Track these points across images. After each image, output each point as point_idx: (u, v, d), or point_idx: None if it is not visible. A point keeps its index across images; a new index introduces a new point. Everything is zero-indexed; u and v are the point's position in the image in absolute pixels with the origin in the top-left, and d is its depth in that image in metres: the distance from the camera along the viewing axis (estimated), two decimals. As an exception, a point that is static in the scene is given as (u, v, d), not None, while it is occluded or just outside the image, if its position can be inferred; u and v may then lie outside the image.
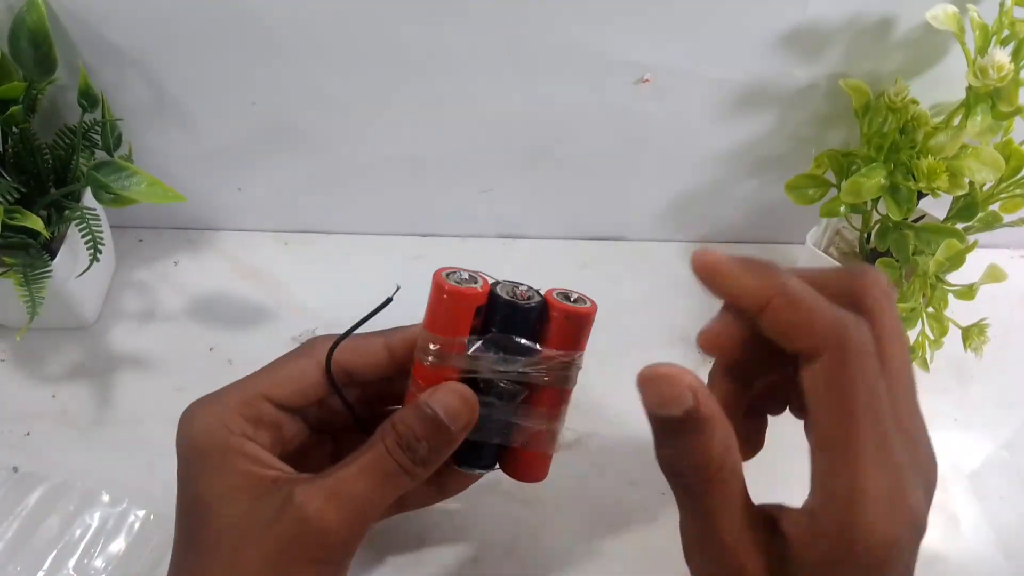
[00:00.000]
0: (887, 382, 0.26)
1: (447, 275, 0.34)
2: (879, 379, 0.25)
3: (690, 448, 0.27)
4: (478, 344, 0.34)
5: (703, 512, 0.27)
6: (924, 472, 0.26)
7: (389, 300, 0.35)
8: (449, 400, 0.32)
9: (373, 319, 0.35)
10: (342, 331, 0.35)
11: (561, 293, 0.35)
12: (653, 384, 0.26)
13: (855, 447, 0.25)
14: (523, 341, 0.34)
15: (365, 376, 0.36)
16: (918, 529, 0.25)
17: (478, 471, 0.37)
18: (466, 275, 0.35)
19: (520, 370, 0.34)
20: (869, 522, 0.24)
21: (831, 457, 0.25)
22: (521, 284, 0.35)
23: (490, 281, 0.35)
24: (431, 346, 0.34)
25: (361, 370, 0.36)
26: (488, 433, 0.35)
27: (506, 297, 0.35)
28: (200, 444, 0.33)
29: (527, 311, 0.34)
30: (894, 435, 0.25)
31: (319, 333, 0.53)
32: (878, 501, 0.24)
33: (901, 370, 0.27)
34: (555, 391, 0.35)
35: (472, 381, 0.34)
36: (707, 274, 0.29)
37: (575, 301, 0.35)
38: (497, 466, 0.37)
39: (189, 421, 0.33)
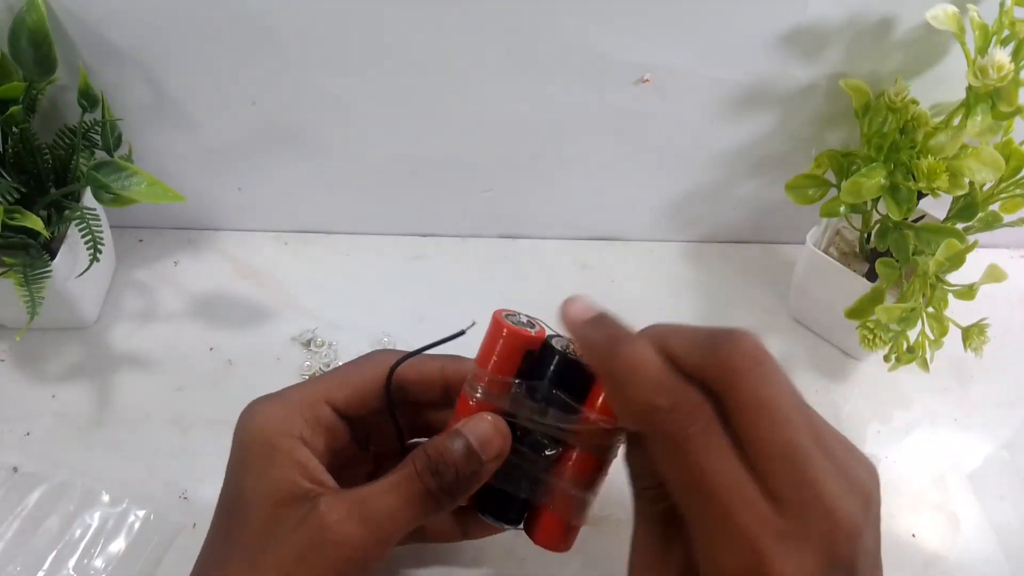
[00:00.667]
0: (749, 451, 0.25)
1: (506, 316, 0.34)
2: (712, 457, 0.25)
3: (645, 463, 0.29)
4: (522, 386, 0.34)
5: (650, 517, 0.29)
6: (815, 539, 0.24)
7: (462, 332, 0.35)
8: (482, 428, 0.33)
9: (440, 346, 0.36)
10: (402, 351, 0.36)
11: None
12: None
13: (697, 524, 0.25)
14: (566, 397, 0.33)
15: (417, 395, 0.37)
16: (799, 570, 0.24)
17: (501, 524, 0.36)
18: (524, 319, 0.35)
19: (558, 425, 0.33)
20: None
21: (688, 530, 0.26)
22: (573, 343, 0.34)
23: (547, 331, 0.35)
24: (478, 383, 0.34)
25: (415, 388, 0.37)
26: (516, 484, 0.34)
27: (560, 348, 0.34)
28: (254, 441, 0.33)
29: (577, 366, 0.33)
30: (745, 511, 0.24)
31: (319, 333, 0.53)
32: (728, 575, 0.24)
33: (770, 438, 0.25)
34: (592, 457, 0.34)
35: (511, 426, 0.34)
36: (567, 327, 0.30)
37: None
38: (522, 526, 0.36)
39: (250, 416, 0.34)
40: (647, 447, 0.27)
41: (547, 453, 0.34)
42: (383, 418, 0.36)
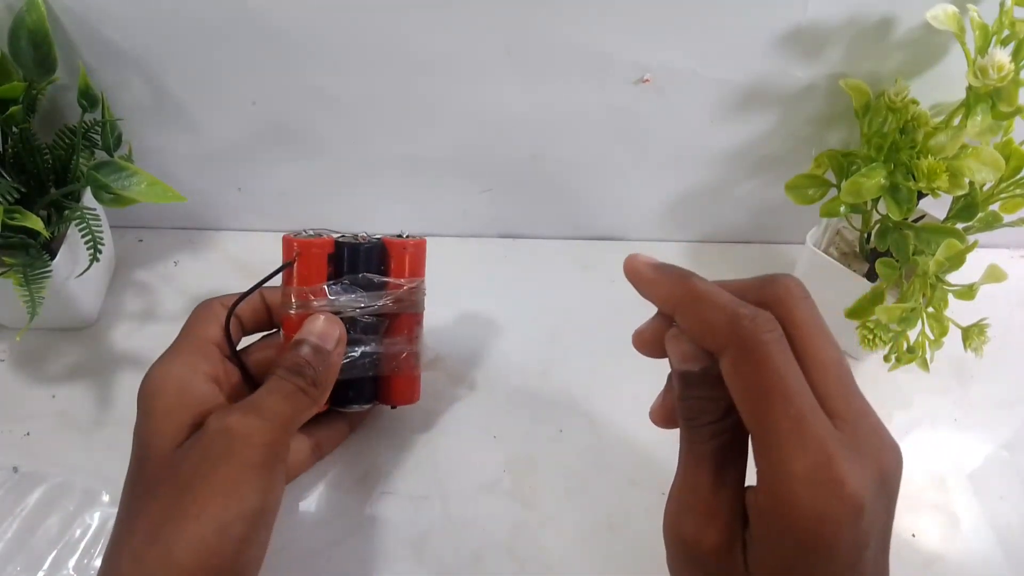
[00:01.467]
0: (807, 369, 0.27)
1: (295, 234, 0.40)
2: (788, 365, 0.26)
3: (706, 397, 0.29)
4: (334, 286, 0.40)
5: (704, 454, 0.29)
6: (868, 455, 0.26)
7: (290, 264, 0.40)
8: (316, 326, 0.39)
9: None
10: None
11: (394, 235, 0.42)
12: (677, 344, 0.30)
13: (771, 430, 0.26)
14: (373, 277, 0.40)
15: (252, 327, 0.42)
16: (856, 507, 0.25)
17: (359, 407, 0.43)
18: (311, 232, 0.41)
19: (376, 304, 0.40)
20: (793, 499, 0.25)
21: (755, 442, 0.27)
22: (360, 233, 0.42)
23: (335, 236, 0.41)
24: (293, 299, 0.40)
25: (248, 321, 0.42)
26: (361, 369, 0.41)
27: (351, 240, 0.41)
28: (149, 396, 0.37)
29: (368, 249, 0.41)
30: (814, 417, 0.26)
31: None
32: (799, 478, 0.25)
33: (825, 359, 0.28)
34: (409, 316, 0.42)
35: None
36: (632, 278, 0.31)
37: (407, 238, 0.42)
38: (376, 402, 0.44)
39: (145, 379, 0.38)
40: (720, 367, 0.28)
41: (376, 330, 0.41)
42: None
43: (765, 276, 0.30)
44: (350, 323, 0.40)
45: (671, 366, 0.30)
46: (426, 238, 0.43)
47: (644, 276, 0.31)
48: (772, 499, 0.26)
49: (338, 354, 0.39)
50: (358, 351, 0.40)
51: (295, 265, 0.40)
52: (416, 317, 0.43)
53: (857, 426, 0.27)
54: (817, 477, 0.25)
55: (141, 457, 0.36)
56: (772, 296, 0.29)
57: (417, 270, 0.42)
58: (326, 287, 0.40)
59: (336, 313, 0.40)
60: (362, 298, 0.40)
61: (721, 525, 0.28)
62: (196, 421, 0.36)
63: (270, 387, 0.37)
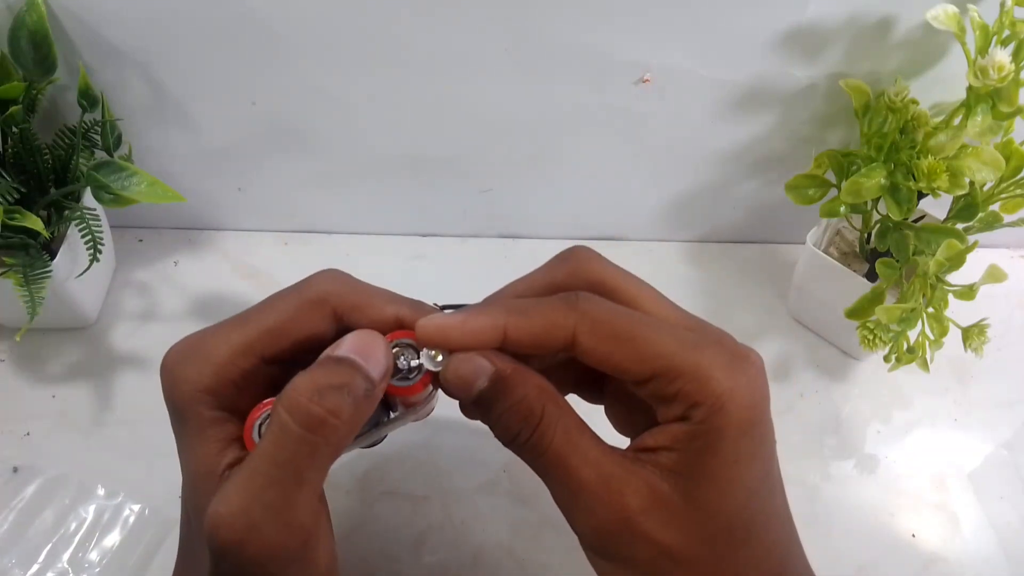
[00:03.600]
0: (640, 301, 0.29)
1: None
2: (630, 312, 0.28)
3: (511, 408, 0.27)
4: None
5: (555, 460, 0.27)
6: (733, 345, 0.28)
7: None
8: (355, 340, 0.27)
9: None
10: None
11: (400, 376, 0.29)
12: (454, 374, 0.27)
13: (664, 356, 0.26)
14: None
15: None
16: (761, 373, 0.28)
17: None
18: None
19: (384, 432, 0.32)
20: (722, 392, 0.26)
21: (657, 378, 0.27)
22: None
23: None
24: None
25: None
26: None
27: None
28: (179, 409, 0.29)
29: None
30: (685, 331, 0.28)
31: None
32: (718, 373, 0.26)
33: (646, 294, 0.29)
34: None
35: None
36: (442, 343, 0.28)
37: (410, 372, 0.29)
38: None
39: (171, 376, 0.28)
40: (577, 351, 0.28)
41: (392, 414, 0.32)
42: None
43: (552, 261, 0.31)
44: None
45: (462, 400, 0.28)
46: (433, 371, 0.29)
47: (451, 327, 0.27)
48: (708, 406, 0.26)
49: (380, 389, 0.27)
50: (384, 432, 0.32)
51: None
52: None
53: (705, 325, 0.29)
54: (732, 365, 0.26)
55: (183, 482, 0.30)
56: (573, 270, 0.30)
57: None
58: None
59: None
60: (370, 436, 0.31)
61: (647, 474, 0.27)
62: None
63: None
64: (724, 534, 0.27)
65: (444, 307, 0.31)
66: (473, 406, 0.28)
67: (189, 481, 0.29)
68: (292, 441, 0.25)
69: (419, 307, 0.30)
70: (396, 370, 0.28)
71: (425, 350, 0.28)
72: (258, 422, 0.28)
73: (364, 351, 0.27)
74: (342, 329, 0.30)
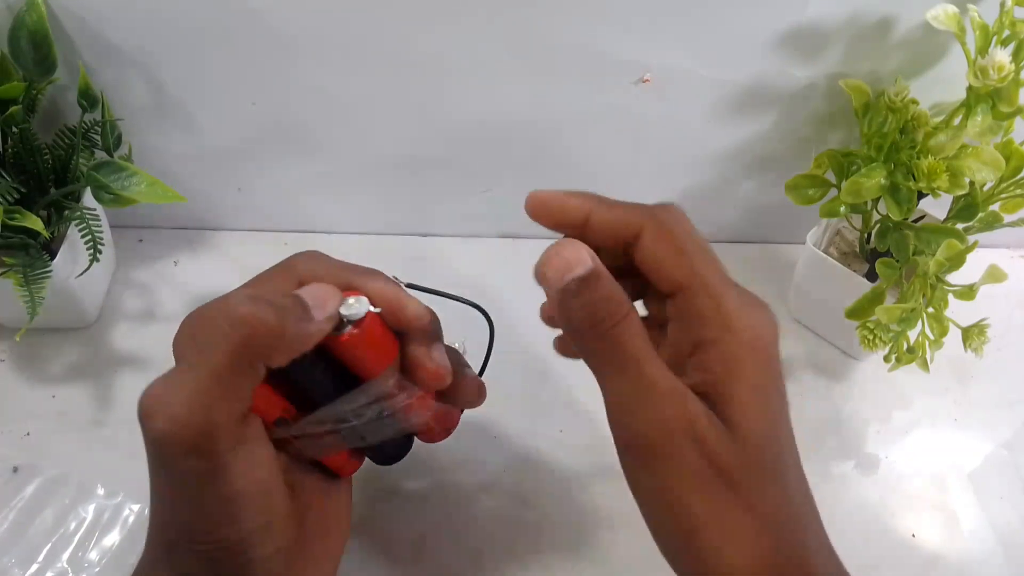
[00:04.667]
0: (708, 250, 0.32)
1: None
2: (697, 233, 0.31)
3: (602, 299, 0.29)
4: (313, 415, 0.31)
5: (632, 354, 0.29)
6: (746, 291, 0.31)
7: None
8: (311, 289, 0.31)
9: None
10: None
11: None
12: (558, 255, 0.30)
13: (706, 277, 0.30)
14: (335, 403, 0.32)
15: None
16: (774, 322, 0.30)
17: (399, 460, 0.39)
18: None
19: (353, 420, 0.32)
20: (741, 324, 0.29)
21: (691, 292, 0.30)
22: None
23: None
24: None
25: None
26: (378, 436, 0.34)
27: (304, 358, 0.30)
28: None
29: (322, 355, 0.31)
30: (715, 263, 0.31)
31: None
32: (737, 307, 0.29)
33: (709, 247, 0.32)
34: (411, 399, 0.33)
35: (349, 430, 0.32)
36: (539, 208, 0.33)
37: (347, 322, 0.31)
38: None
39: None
40: (637, 250, 0.31)
41: (376, 419, 0.33)
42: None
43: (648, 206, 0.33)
44: (343, 422, 0.32)
45: (556, 285, 0.29)
46: (371, 309, 0.32)
47: (553, 198, 0.32)
48: (719, 324, 0.29)
49: (319, 324, 0.30)
50: (364, 427, 0.33)
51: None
52: (420, 398, 0.34)
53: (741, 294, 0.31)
54: (750, 304, 0.30)
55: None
56: (657, 206, 0.32)
57: (383, 356, 0.33)
58: (303, 421, 0.32)
59: (335, 430, 0.32)
60: (353, 401, 0.32)
61: (690, 396, 0.29)
62: None
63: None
64: (760, 465, 0.29)
65: (407, 285, 0.35)
66: (559, 293, 0.29)
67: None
68: (215, 334, 0.27)
69: (369, 274, 0.33)
70: (342, 323, 0.31)
71: (356, 299, 0.31)
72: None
73: (313, 292, 0.30)
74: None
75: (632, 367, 0.29)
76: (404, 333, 0.33)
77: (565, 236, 0.32)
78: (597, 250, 0.30)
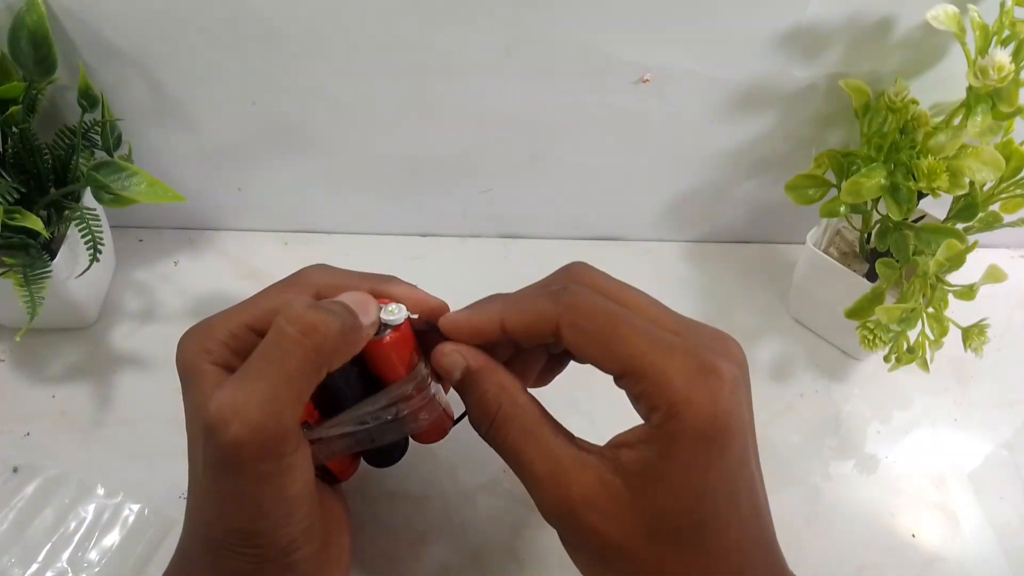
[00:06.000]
0: (633, 305, 0.31)
1: None
2: (615, 307, 0.30)
3: (476, 401, 0.32)
4: (335, 421, 0.33)
5: (511, 452, 0.31)
6: (720, 350, 0.30)
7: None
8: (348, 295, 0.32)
9: None
10: None
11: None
12: (437, 364, 0.33)
13: (635, 355, 0.29)
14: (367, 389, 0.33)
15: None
16: (735, 389, 0.28)
17: (397, 462, 0.39)
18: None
19: (388, 404, 0.33)
20: (683, 399, 0.28)
21: (628, 376, 0.29)
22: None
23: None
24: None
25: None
26: (385, 438, 0.34)
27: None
28: (181, 369, 0.33)
29: (343, 369, 0.32)
30: (665, 334, 0.29)
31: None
32: (682, 381, 0.28)
33: (636, 298, 0.32)
34: (425, 401, 0.34)
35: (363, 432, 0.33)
36: (454, 333, 0.33)
37: (386, 327, 0.33)
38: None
39: (179, 344, 0.33)
40: (562, 339, 0.31)
41: (397, 414, 0.34)
42: None
43: (553, 275, 0.34)
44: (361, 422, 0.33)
45: (452, 382, 0.33)
46: (407, 317, 0.33)
47: (465, 321, 0.33)
48: (664, 412, 0.28)
49: (367, 331, 0.31)
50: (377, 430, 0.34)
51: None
52: (430, 400, 0.34)
53: (698, 331, 0.31)
54: (696, 375, 0.28)
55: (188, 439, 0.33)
56: (569, 277, 0.33)
57: (405, 363, 0.33)
58: (327, 424, 0.33)
59: (356, 432, 0.33)
60: (374, 403, 0.33)
61: (601, 469, 0.29)
62: None
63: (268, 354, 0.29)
64: (670, 534, 0.28)
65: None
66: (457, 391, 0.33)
67: (195, 433, 0.32)
68: (286, 341, 0.28)
69: (388, 280, 0.35)
70: (381, 328, 0.32)
71: (396, 307, 0.33)
72: None
73: (355, 300, 0.31)
74: None
75: (513, 464, 0.31)
76: (426, 330, 0.34)
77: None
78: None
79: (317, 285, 0.34)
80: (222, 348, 0.32)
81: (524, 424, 0.31)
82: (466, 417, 0.35)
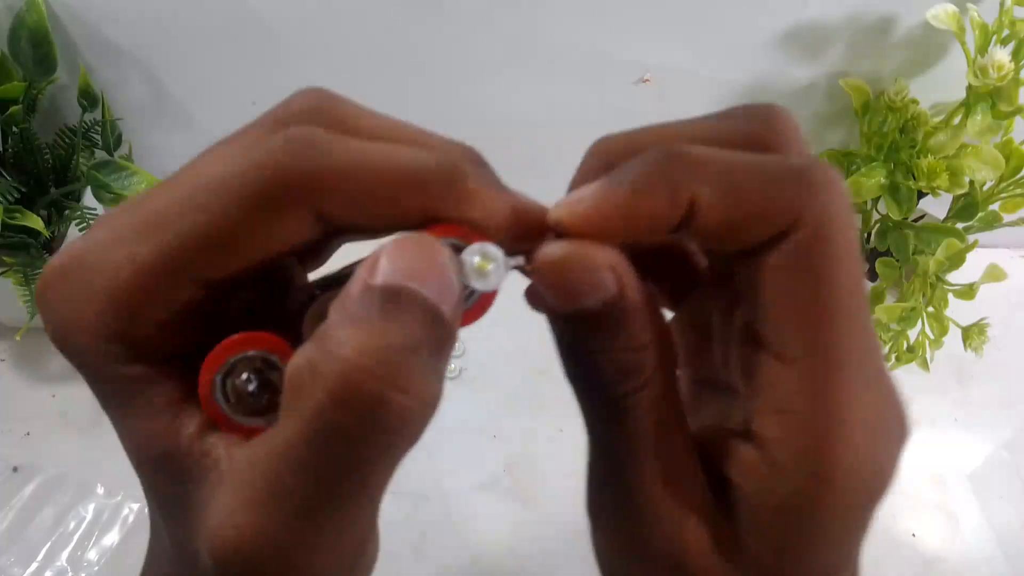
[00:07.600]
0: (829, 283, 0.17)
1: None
2: (860, 264, 0.17)
3: (620, 352, 0.18)
4: None
5: (628, 436, 0.19)
6: (895, 402, 0.18)
7: None
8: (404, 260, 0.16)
9: None
10: None
11: None
12: (562, 270, 0.18)
13: (838, 355, 0.17)
14: None
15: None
16: (896, 462, 0.18)
17: None
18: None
19: None
20: (853, 454, 0.17)
21: (801, 370, 0.17)
22: None
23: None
24: None
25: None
26: None
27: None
28: (79, 365, 0.18)
29: None
30: (876, 345, 0.18)
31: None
32: (865, 426, 0.17)
33: (851, 272, 0.17)
34: None
35: None
36: (575, 228, 0.18)
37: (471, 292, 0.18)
38: None
39: (49, 310, 0.17)
40: (756, 266, 0.18)
41: None
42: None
43: (738, 109, 0.19)
44: None
45: (551, 303, 0.18)
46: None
47: (593, 206, 0.18)
48: (806, 452, 0.17)
49: (455, 329, 0.17)
50: None
51: None
52: None
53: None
54: (880, 427, 0.18)
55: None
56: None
57: None
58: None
59: None
60: None
61: (706, 520, 0.18)
62: None
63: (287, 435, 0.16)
64: None
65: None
66: (556, 317, 0.19)
67: (145, 472, 0.19)
68: (341, 441, 0.15)
69: (453, 170, 0.18)
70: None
71: (483, 250, 0.18)
72: (219, 375, 0.18)
73: (421, 271, 0.16)
74: (338, 218, 0.17)
75: (633, 466, 0.19)
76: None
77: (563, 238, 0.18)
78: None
79: (327, 168, 0.16)
80: (133, 324, 0.17)
81: (664, 419, 0.19)
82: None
